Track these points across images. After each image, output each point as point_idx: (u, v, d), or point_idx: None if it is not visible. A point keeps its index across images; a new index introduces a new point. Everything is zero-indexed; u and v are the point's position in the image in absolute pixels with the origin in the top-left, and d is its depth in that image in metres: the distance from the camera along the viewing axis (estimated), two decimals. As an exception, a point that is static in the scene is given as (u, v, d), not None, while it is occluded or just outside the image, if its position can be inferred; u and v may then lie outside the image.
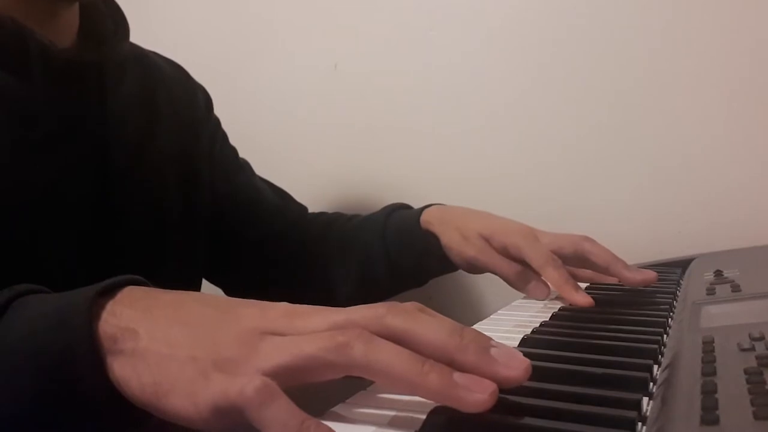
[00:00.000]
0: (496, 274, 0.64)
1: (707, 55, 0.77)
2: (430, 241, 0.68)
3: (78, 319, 0.31)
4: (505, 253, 0.63)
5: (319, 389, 0.32)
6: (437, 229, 0.68)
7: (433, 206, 0.72)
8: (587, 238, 0.62)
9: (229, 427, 0.29)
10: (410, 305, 0.32)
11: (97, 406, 0.31)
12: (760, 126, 0.76)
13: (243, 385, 0.28)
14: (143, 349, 0.31)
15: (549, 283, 0.61)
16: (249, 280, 0.77)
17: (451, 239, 0.66)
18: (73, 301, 0.32)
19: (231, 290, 0.78)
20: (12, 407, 0.32)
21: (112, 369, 0.31)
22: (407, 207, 0.77)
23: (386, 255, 0.71)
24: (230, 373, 0.29)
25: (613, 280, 0.62)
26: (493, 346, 0.31)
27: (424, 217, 0.70)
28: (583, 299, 0.56)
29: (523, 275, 0.62)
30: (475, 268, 0.66)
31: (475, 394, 0.28)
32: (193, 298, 0.35)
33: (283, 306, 0.33)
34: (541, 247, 0.61)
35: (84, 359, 0.31)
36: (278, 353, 0.29)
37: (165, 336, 0.31)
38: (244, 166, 0.80)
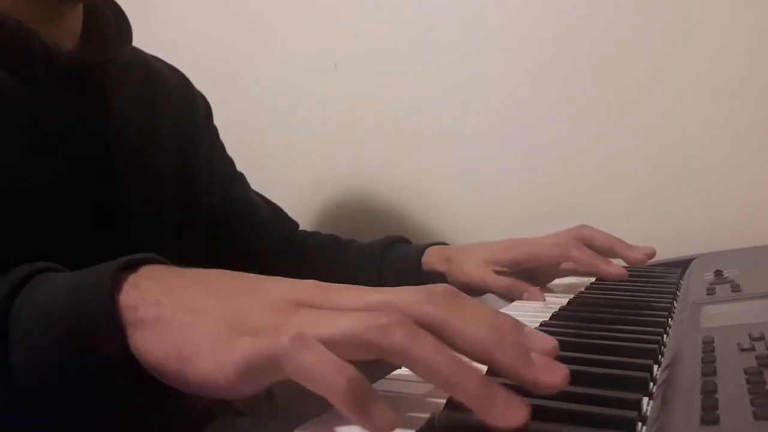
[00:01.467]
0: (493, 292, 0.66)
1: (707, 56, 0.77)
2: (432, 281, 0.69)
3: (99, 291, 0.31)
4: (517, 265, 0.65)
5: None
6: (441, 267, 0.69)
7: (434, 246, 0.72)
8: (585, 226, 0.65)
9: (254, 388, 0.28)
10: (444, 289, 0.31)
11: (117, 377, 0.31)
12: (760, 126, 0.76)
13: (276, 336, 0.27)
14: (167, 318, 0.30)
15: (579, 265, 0.62)
16: None
17: (454, 274, 0.67)
18: (95, 275, 0.32)
19: None
20: (34, 376, 0.32)
21: (133, 339, 0.30)
22: (405, 240, 0.77)
23: None
24: (261, 335, 0.28)
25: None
26: (532, 350, 0.29)
27: (426, 258, 0.70)
28: (617, 270, 0.60)
29: (514, 286, 0.64)
30: (478, 293, 0.68)
31: (510, 411, 0.27)
32: (219, 273, 0.34)
33: (312, 281, 0.32)
34: (551, 242, 0.64)
35: (105, 330, 0.30)
36: (316, 325, 0.28)
37: (190, 305, 0.30)
38: (240, 179, 0.79)
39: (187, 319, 0.30)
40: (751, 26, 0.76)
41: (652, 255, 0.63)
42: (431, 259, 0.70)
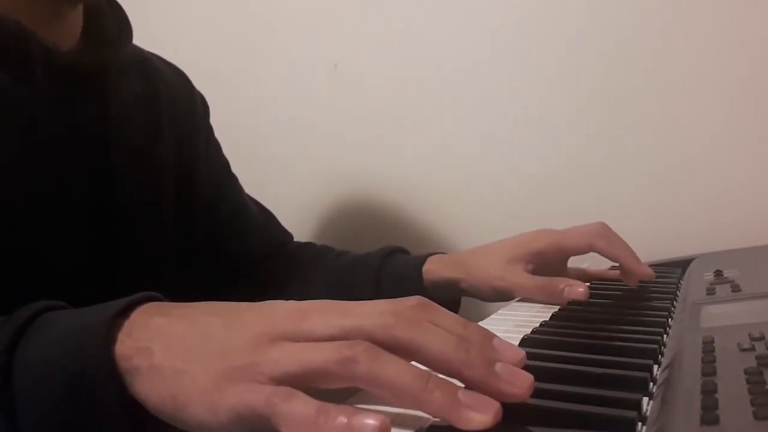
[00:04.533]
0: (525, 296, 0.61)
1: (707, 56, 0.77)
2: (432, 293, 0.64)
3: (96, 342, 0.32)
4: (542, 258, 0.62)
5: (318, 390, 0.32)
6: (453, 273, 0.64)
7: (434, 256, 0.67)
8: (604, 225, 0.63)
9: (247, 430, 0.30)
10: (416, 304, 0.33)
11: (118, 424, 0.32)
12: (760, 126, 0.76)
13: (263, 393, 0.29)
14: (158, 365, 0.32)
15: (608, 255, 0.61)
16: (221, 294, 0.76)
17: (476, 278, 0.63)
18: (92, 323, 0.34)
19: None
20: (35, 427, 0.33)
21: (131, 386, 0.32)
22: (403, 251, 0.73)
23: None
24: (243, 380, 0.30)
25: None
26: (498, 361, 0.31)
27: (428, 267, 0.66)
28: (645, 270, 0.60)
29: (552, 284, 0.59)
30: (502, 293, 0.63)
31: (478, 415, 0.28)
32: (203, 310, 0.35)
33: (288, 306, 0.33)
34: (575, 230, 0.63)
35: (103, 382, 0.32)
36: (286, 361, 0.30)
37: (177, 349, 0.32)
38: (233, 179, 0.79)
39: (177, 366, 0.31)
40: (751, 27, 0.76)
41: (648, 278, 0.61)
42: (435, 267, 0.65)
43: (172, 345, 0.32)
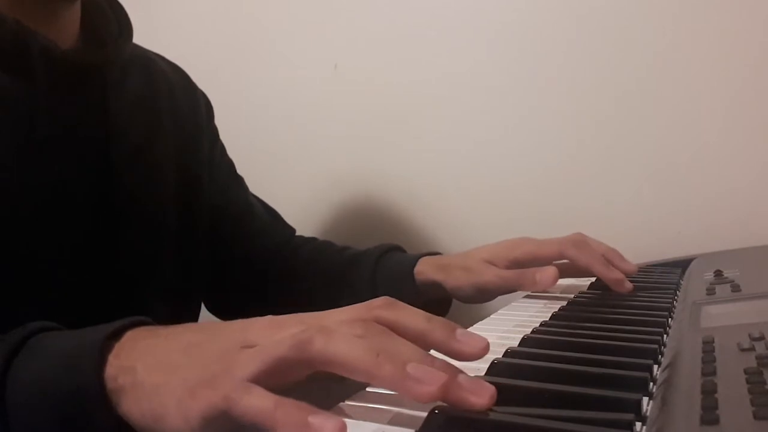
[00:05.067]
0: (506, 290, 0.64)
1: (707, 56, 0.77)
2: (423, 293, 0.67)
3: (87, 364, 0.34)
4: (517, 265, 0.64)
5: (320, 387, 0.32)
6: (438, 276, 0.67)
7: (427, 256, 0.70)
8: (581, 234, 0.64)
9: None
10: (382, 304, 0.35)
11: None
12: (760, 126, 0.76)
13: (224, 390, 0.30)
14: (140, 382, 0.33)
15: (578, 263, 0.62)
16: (231, 296, 0.77)
17: (457, 279, 0.66)
18: (83, 345, 0.35)
19: (213, 305, 0.77)
20: None
21: (119, 405, 0.33)
22: (400, 249, 0.75)
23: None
24: (213, 386, 0.31)
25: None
26: (462, 356, 0.34)
27: (420, 268, 0.68)
28: (616, 274, 0.60)
29: (525, 273, 0.62)
30: (488, 293, 0.66)
31: (425, 386, 0.29)
32: (189, 329, 0.37)
33: (266, 319, 0.35)
34: (549, 241, 0.64)
35: (93, 402, 0.33)
36: (251, 361, 0.31)
37: (159, 367, 0.33)
38: (239, 181, 0.79)
39: (157, 381, 0.33)
40: (751, 28, 0.76)
41: (631, 273, 0.62)
42: (424, 268, 0.68)
43: (154, 362, 0.34)
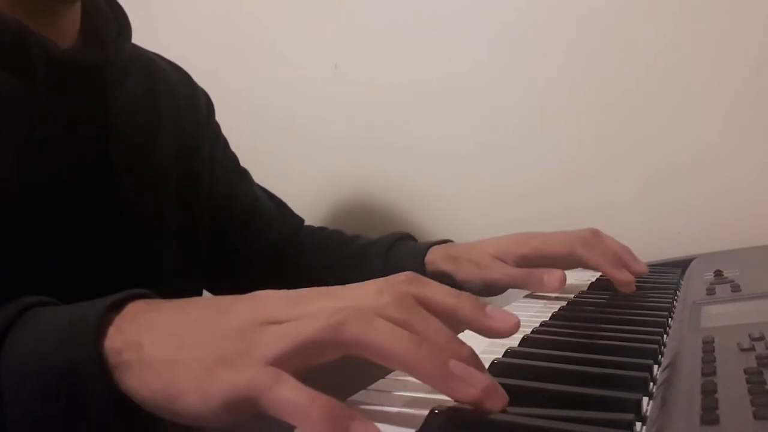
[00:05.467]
0: (513, 287, 0.65)
1: (707, 57, 0.78)
2: (437, 281, 0.67)
3: (85, 336, 0.32)
4: (525, 262, 0.64)
5: (319, 388, 0.32)
6: (447, 267, 0.67)
7: (438, 245, 0.70)
8: (595, 231, 0.64)
9: (242, 417, 0.29)
10: (409, 281, 0.33)
11: (107, 420, 0.32)
12: (760, 126, 0.76)
13: (251, 375, 0.28)
14: (148, 358, 0.31)
15: (588, 263, 0.61)
16: (239, 290, 0.77)
17: (467, 272, 0.66)
18: (81, 317, 0.33)
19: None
20: (22, 423, 0.32)
21: (121, 381, 0.32)
22: (410, 237, 0.76)
23: None
24: (235, 366, 0.29)
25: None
26: (492, 331, 0.34)
27: (430, 257, 0.69)
28: (626, 276, 0.59)
29: (533, 273, 0.62)
30: (495, 289, 0.66)
31: (469, 388, 0.29)
32: (194, 304, 0.35)
33: (279, 293, 0.33)
34: (558, 238, 0.63)
35: (91, 375, 0.31)
36: (278, 340, 0.29)
37: (168, 342, 0.32)
38: (244, 174, 0.79)
39: (167, 358, 0.31)
40: (751, 28, 0.76)
41: (641, 274, 0.62)
42: (435, 258, 0.68)
43: (162, 337, 0.32)
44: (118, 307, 0.34)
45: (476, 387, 0.29)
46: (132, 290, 0.35)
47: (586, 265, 0.63)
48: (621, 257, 0.62)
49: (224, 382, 0.29)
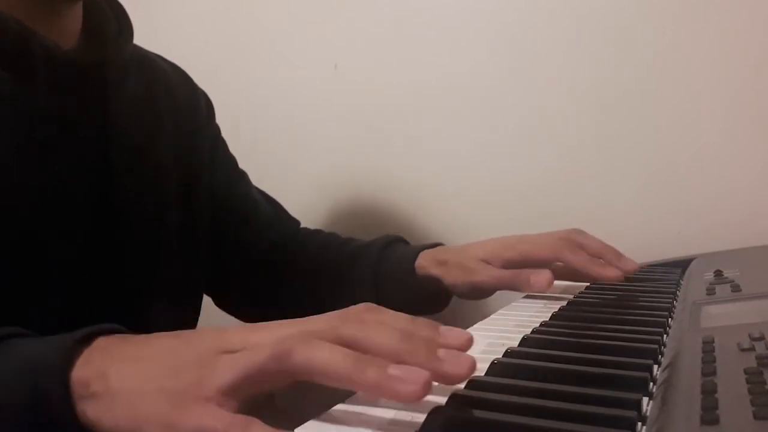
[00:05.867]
0: (500, 288, 0.65)
1: (707, 56, 0.77)
2: (424, 286, 0.68)
3: (53, 366, 0.33)
4: (511, 266, 0.65)
5: (318, 390, 0.32)
6: (436, 271, 0.68)
7: (428, 249, 0.71)
8: (578, 230, 0.65)
9: None
10: (363, 308, 0.35)
11: None
12: (760, 126, 0.76)
13: (219, 419, 0.29)
14: (114, 389, 0.32)
15: (574, 266, 0.62)
16: (236, 291, 0.77)
17: (455, 277, 0.67)
18: (51, 348, 0.34)
19: (219, 300, 0.78)
20: None
21: (84, 412, 0.32)
22: (402, 240, 0.76)
23: (378, 295, 0.71)
24: (196, 398, 0.30)
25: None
26: (441, 347, 0.33)
27: (420, 262, 0.69)
28: (613, 272, 0.59)
29: (519, 274, 0.63)
30: (483, 291, 0.67)
31: (409, 386, 0.29)
32: (162, 336, 0.36)
33: (246, 325, 0.35)
34: (544, 242, 0.64)
35: (57, 405, 0.32)
36: (230, 369, 0.31)
37: (133, 374, 0.33)
38: (242, 176, 0.79)
39: (132, 388, 0.32)
40: (750, 28, 0.76)
41: (631, 271, 0.62)
42: (424, 262, 0.69)
43: (127, 368, 0.33)
44: (88, 340, 0.35)
45: (417, 383, 0.29)
46: (103, 324, 0.36)
47: (568, 275, 0.63)
48: (605, 257, 0.62)
49: (193, 419, 0.30)
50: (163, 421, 0.30)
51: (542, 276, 0.60)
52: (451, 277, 0.66)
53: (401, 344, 0.32)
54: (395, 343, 0.32)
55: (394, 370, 0.30)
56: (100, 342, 0.35)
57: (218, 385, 0.30)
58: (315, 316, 0.35)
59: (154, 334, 0.36)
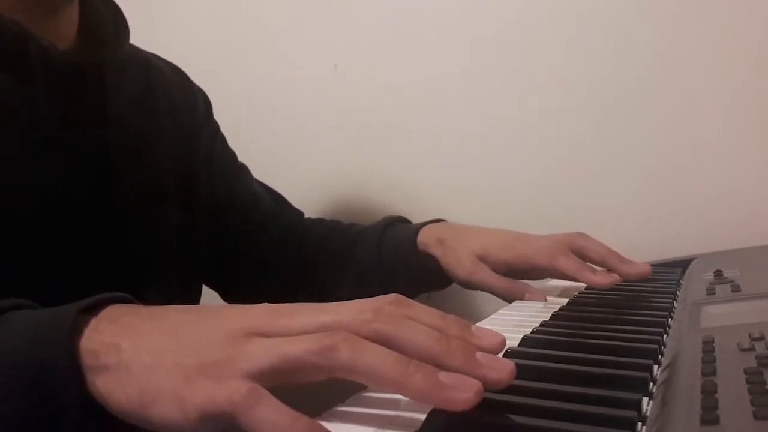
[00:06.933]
0: (489, 292, 0.66)
1: (707, 56, 0.77)
2: (426, 263, 0.69)
3: (58, 335, 0.31)
4: (508, 267, 0.65)
5: (318, 389, 0.32)
6: (435, 250, 0.69)
7: (429, 225, 0.72)
8: (581, 234, 0.64)
9: (218, 430, 0.29)
10: (394, 300, 0.33)
11: (77, 422, 0.31)
12: (760, 126, 0.76)
13: (231, 391, 0.28)
14: (127, 362, 0.30)
15: (566, 272, 0.62)
16: (244, 285, 0.78)
17: (448, 261, 0.68)
18: (55, 317, 0.32)
19: (226, 294, 0.78)
20: None
21: (94, 384, 0.31)
22: (405, 220, 0.77)
23: (381, 273, 0.72)
24: (216, 377, 0.29)
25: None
26: (480, 347, 0.32)
27: (421, 238, 0.70)
28: (604, 279, 0.59)
29: (515, 288, 0.64)
30: (470, 285, 0.68)
31: (462, 393, 0.29)
32: (175, 309, 0.34)
33: (266, 305, 0.33)
34: (542, 246, 0.63)
35: (64, 375, 0.31)
36: (262, 355, 0.29)
37: (148, 347, 0.31)
38: (243, 171, 0.79)
39: (147, 362, 0.30)
40: (750, 28, 0.76)
41: (646, 274, 0.61)
42: (426, 240, 0.70)
43: (141, 341, 0.31)
44: (94, 308, 0.33)
45: (470, 390, 0.29)
46: (109, 293, 0.35)
47: (565, 277, 0.63)
48: (607, 261, 0.62)
49: (204, 392, 0.28)
50: (178, 397, 0.29)
51: (536, 296, 0.62)
52: (446, 262, 0.68)
53: (438, 345, 0.31)
54: (432, 344, 0.31)
55: (444, 377, 0.29)
56: (109, 311, 0.33)
57: (248, 368, 0.29)
58: (340, 304, 0.33)
59: (164, 306, 0.34)
